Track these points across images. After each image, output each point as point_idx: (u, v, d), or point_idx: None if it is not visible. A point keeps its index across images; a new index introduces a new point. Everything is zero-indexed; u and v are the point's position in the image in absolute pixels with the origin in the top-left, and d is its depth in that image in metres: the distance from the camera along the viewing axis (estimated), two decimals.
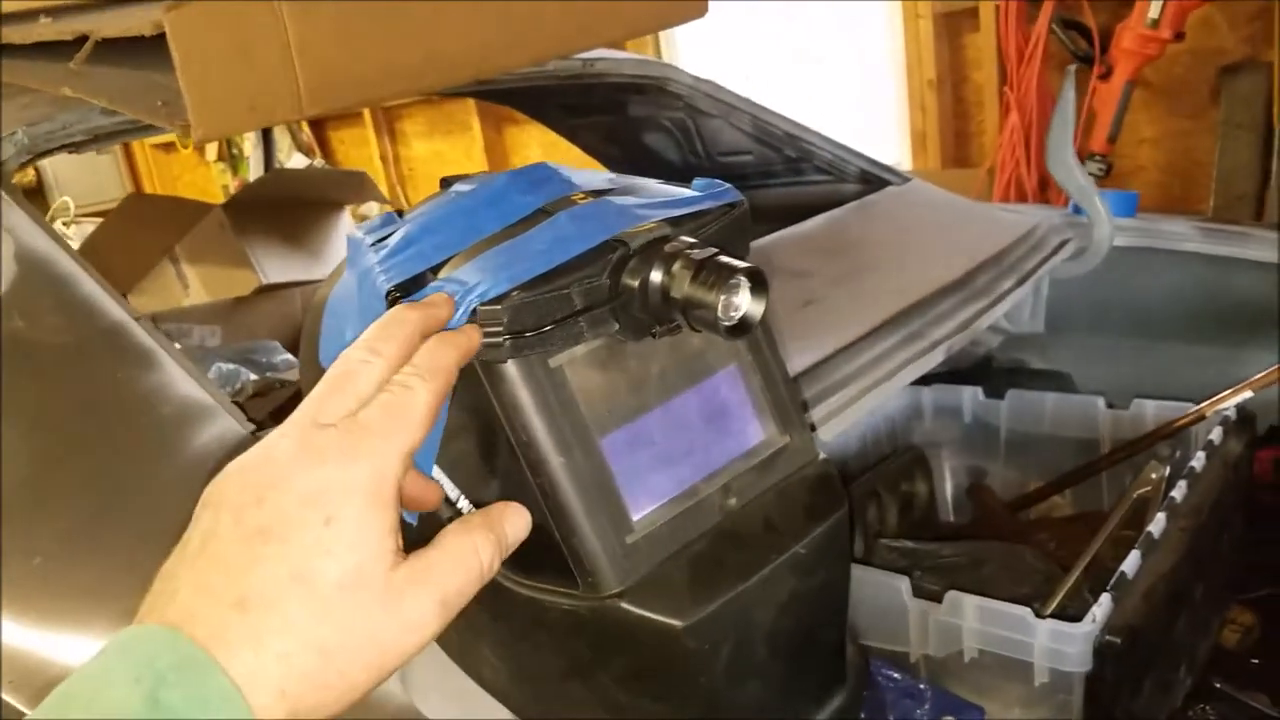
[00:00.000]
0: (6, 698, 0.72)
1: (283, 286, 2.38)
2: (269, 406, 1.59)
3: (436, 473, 0.55)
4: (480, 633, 0.59)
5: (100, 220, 3.40)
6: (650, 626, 0.51)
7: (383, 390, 0.45)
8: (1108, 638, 0.82)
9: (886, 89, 3.23)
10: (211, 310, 2.32)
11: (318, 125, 4.94)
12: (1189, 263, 1.67)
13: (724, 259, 0.50)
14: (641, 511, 0.53)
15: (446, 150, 4.66)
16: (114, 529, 0.78)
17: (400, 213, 0.61)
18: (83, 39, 0.83)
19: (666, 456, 0.55)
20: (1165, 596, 0.90)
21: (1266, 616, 1.32)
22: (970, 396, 1.46)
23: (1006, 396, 1.45)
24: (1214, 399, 1.24)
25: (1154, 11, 2.36)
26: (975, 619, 0.87)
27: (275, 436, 0.44)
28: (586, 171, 0.62)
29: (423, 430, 0.45)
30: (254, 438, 0.82)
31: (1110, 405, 1.37)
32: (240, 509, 0.42)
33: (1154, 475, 1.11)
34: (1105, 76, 2.49)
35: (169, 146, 5.54)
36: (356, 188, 2.71)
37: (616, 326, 0.53)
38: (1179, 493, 1.03)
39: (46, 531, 0.80)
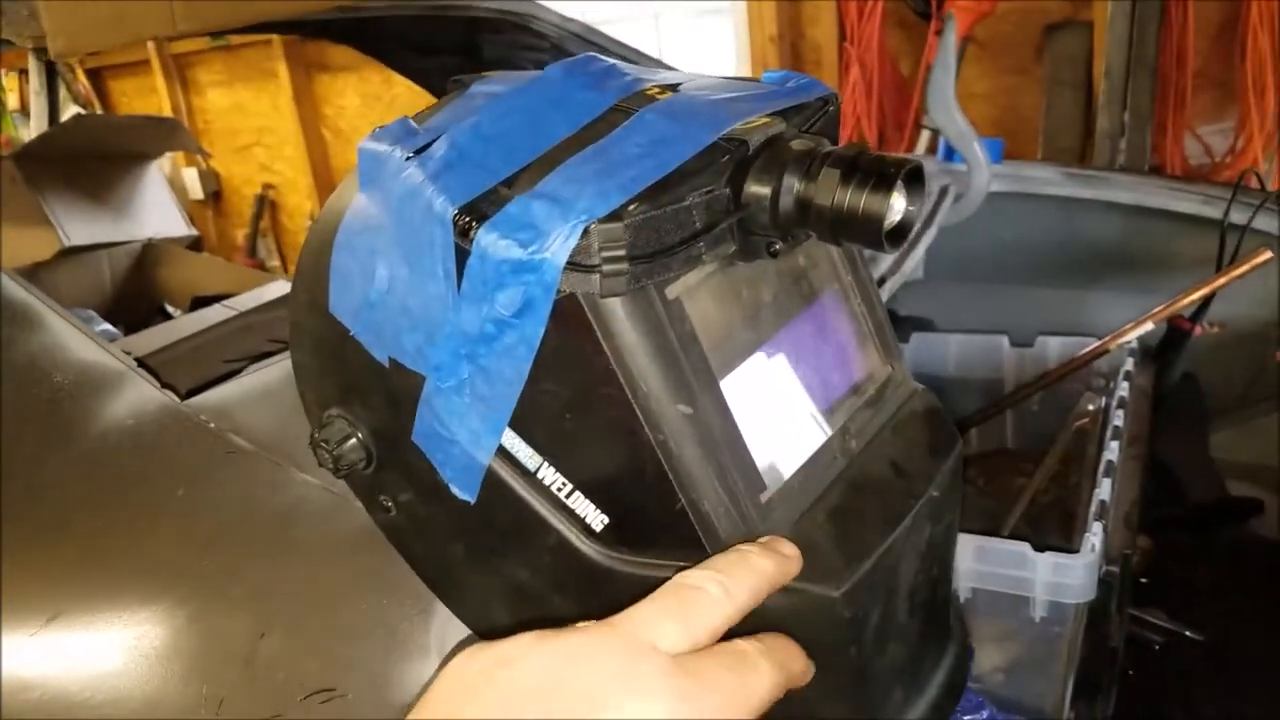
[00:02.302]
0: None
1: (89, 249, 2.09)
2: None
3: (508, 437, 0.45)
4: (557, 624, 0.50)
5: None
6: (799, 598, 0.43)
7: (727, 653, 0.38)
8: (1109, 567, 0.82)
9: (727, 44, 3.21)
10: None
11: (96, 74, 4.42)
12: (1051, 207, 1.74)
13: (878, 155, 0.42)
14: (768, 464, 0.45)
15: (249, 100, 4.29)
16: (12, 517, 0.62)
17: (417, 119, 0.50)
18: None
19: (786, 397, 0.47)
20: (1138, 523, 0.92)
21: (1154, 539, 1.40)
22: None
23: (911, 339, 1.45)
24: (1117, 333, 1.28)
25: None
26: (972, 558, 0.85)
27: (585, 642, 0.37)
28: (635, 66, 0.52)
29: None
30: (179, 406, 0.67)
31: (1014, 344, 1.40)
32: None
33: (1090, 406, 1.13)
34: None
35: None
36: (168, 136, 2.43)
37: (734, 247, 0.44)
38: (1119, 420, 1.05)
39: None
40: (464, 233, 0.41)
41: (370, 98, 3.97)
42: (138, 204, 2.30)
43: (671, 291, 0.43)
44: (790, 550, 0.42)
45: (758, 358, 0.47)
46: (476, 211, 0.41)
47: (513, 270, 0.40)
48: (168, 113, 4.32)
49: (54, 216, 2.06)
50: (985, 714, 0.66)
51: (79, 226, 2.11)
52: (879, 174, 0.41)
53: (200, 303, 2.00)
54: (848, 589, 0.43)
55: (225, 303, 1.67)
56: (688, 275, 0.44)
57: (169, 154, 3.58)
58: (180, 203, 2.63)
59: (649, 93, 0.47)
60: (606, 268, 0.39)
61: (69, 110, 4.26)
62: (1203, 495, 1.48)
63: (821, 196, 0.42)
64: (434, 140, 0.45)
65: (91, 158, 2.25)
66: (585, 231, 0.39)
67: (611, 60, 0.51)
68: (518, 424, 0.45)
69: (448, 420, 0.45)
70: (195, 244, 2.69)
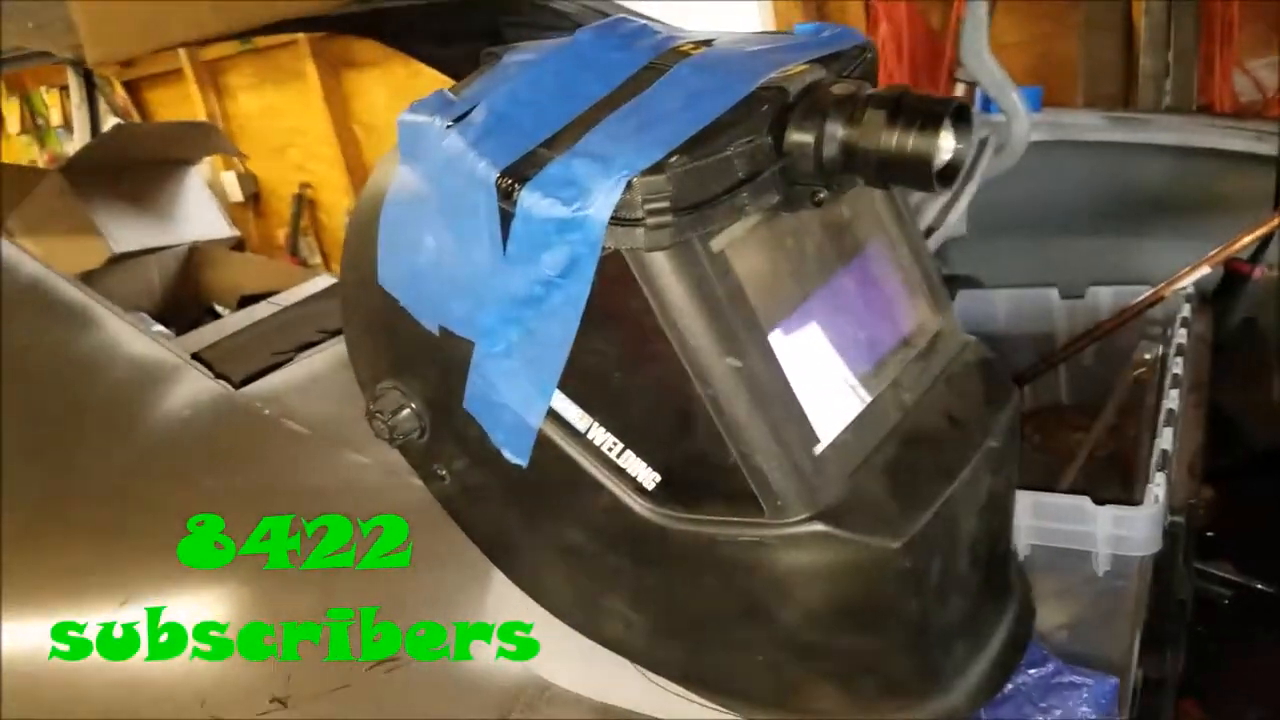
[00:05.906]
0: None
1: (137, 254, 2.13)
2: None
3: (558, 398, 0.45)
4: (611, 584, 0.50)
5: None
6: (857, 550, 0.43)
7: None
8: (1173, 517, 0.80)
9: (749, 6, 3.18)
10: None
11: (133, 86, 4.49)
12: (1095, 153, 1.69)
13: (923, 95, 0.41)
14: (821, 417, 0.45)
15: (279, 102, 4.33)
16: (79, 510, 0.64)
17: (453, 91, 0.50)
18: None
19: (835, 350, 0.47)
20: (1201, 472, 0.90)
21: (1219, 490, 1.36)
22: None
23: (957, 297, 1.43)
24: (1172, 279, 1.25)
25: None
26: (1030, 515, 0.83)
27: None
28: (663, 24, 0.52)
29: None
30: (233, 394, 0.69)
31: (1065, 296, 1.37)
32: None
33: (1147, 355, 1.10)
34: None
35: None
36: (204, 140, 2.47)
37: (778, 197, 0.44)
38: (1179, 368, 1.02)
39: None
40: (507, 195, 0.41)
41: (398, 91, 3.98)
42: (181, 208, 2.34)
43: (716, 244, 0.42)
44: None
45: (805, 310, 0.46)
46: (518, 173, 0.41)
47: (557, 229, 0.39)
48: (202, 119, 4.37)
49: (102, 225, 2.10)
50: (1051, 666, 0.64)
51: (126, 233, 2.15)
52: (926, 113, 0.41)
53: (247, 301, 2.03)
54: (907, 540, 0.43)
55: (272, 299, 1.70)
56: (732, 228, 0.43)
57: (207, 158, 3.64)
58: (221, 205, 2.68)
59: (681, 49, 0.47)
60: (650, 220, 0.39)
61: (109, 122, 4.34)
62: (1267, 442, 1.44)
63: (867, 140, 0.41)
64: (471, 109, 0.45)
65: (134, 166, 2.29)
66: (628, 185, 0.39)
67: (642, 20, 0.50)
68: (566, 385, 0.44)
69: (498, 385, 0.45)
70: (238, 245, 2.73)
